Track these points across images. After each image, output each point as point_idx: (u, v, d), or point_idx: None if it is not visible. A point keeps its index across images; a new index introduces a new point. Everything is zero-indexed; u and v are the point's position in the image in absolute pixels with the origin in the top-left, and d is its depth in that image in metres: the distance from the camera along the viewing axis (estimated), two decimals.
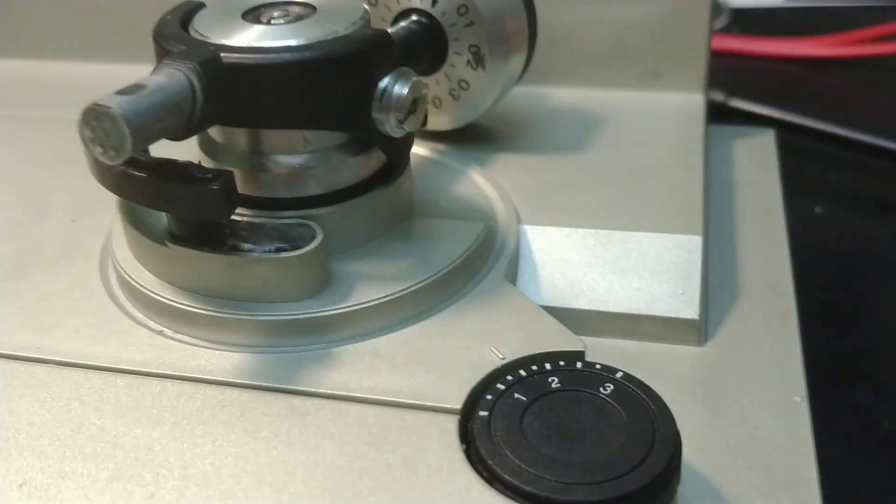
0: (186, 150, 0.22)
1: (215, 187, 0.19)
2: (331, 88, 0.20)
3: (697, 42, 0.32)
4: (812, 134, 0.41)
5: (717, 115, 0.42)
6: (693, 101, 0.32)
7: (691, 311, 0.24)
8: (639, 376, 0.22)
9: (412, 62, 0.28)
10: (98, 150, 0.18)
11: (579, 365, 0.20)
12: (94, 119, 0.17)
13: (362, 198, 0.23)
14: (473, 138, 0.30)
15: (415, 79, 0.22)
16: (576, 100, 0.33)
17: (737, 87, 0.45)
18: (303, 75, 0.20)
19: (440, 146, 0.30)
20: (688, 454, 0.20)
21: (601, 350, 0.24)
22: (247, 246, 0.22)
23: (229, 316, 0.21)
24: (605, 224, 0.25)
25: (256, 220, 0.22)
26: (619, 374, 0.20)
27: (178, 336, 0.22)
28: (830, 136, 0.41)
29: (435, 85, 0.29)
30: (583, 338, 0.24)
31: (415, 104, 0.22)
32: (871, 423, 0.28)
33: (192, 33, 0.22)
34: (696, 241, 0.25)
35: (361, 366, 0.20)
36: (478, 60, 0.28)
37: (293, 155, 0.22)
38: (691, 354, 0.23)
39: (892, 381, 0.29)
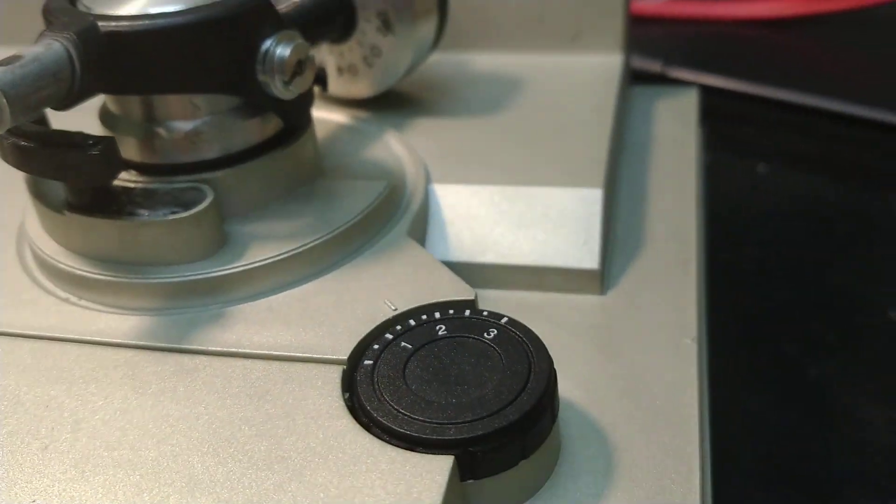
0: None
1: (95, 152, 0.19)
2: (209, 52, 0.21)
3: (615, 2, 0.33)
4: (755, 99, 0.41)
5: (656, 85, 0.42)
6: (611, 62, 0.32)
7: (591, 262, 0.24)
8: (539, 325, 0.22)
9: (322, 29, 0.28)
10: None
11: (467, 313, 0.20)
12: None
13: (257, 160, 0.23)
14: (393, 105, 0.31)
15: (298, 41, 0.22)
16: (497, 65, 0.33)
17: (689, 54, 0.45)
18: (179, 40, 0.20)
19: (360, 113, 0.30)
20: (577, 396, 0.21)
21: (506, 302, 0.24)
22: (142, 212, 0.22)
23: (125, 280, 0.21)
24: (511, 181, 0.26)
25: (150, 186, 0.22)
26: (503, 320, 0.20)
27: (82, 303, 0.22)
28: (774, 101, 0.41)
29: (349, 52, 0.30)
30: (489, 291, 0.25)
31: (300, 66, 0.22)
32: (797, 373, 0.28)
33: (79, 6, 0.22)
34: (596, 194, 0.25)
35: (254, 323, 0.21)
36: (387, 26, 0.28)
37: (185, 120, 0.22)
38: (592, 303, 0.24)
39: (818, 335, 0.29)
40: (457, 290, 0.21)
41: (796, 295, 0.31)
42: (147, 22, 0.20)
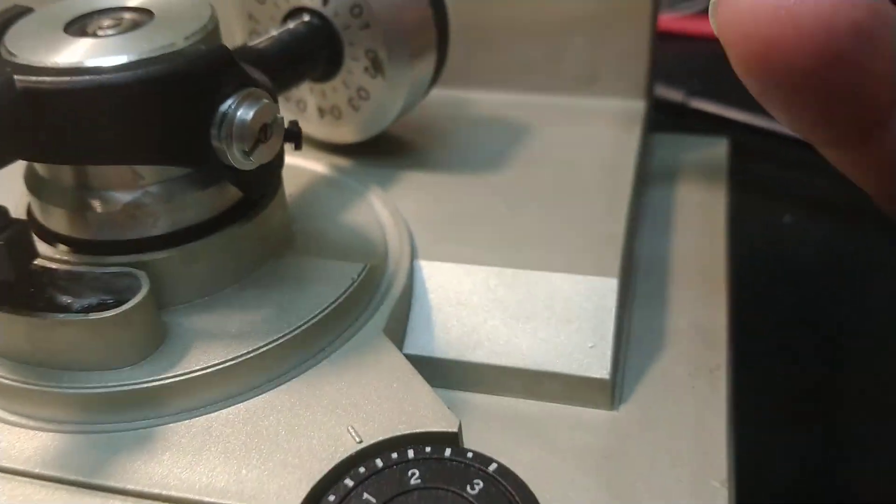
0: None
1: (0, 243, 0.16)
2: (152, 118, 0.17)
3: (639, 41, 0.29)
4: (781, 140, 0.37)
5: (677, 116, 0.38)
6: (632, 109, 0.28)
7: (601, 369, 0.20)
8: (534, 448, 0.19)
9: (303, 67, 0.24)
10: None
11: (448, 452, 0.16)
12: None
13: (210, 238, 0.19)
14: (380, 150, 0.27)
15: (264, 101, 0.18)
16: (503, 106, 0.29)
17: (706, 77, 0.42)
18: (111, 102, 0.16)
19: (342, 161, 0.27)
20: None
21: (498, 411, 0.20)
22: (66, 299, 0.18)
23: (33, 387, 0.17)
24: (511, 261, 0.22)
25: (76, 269, 0.18)
26: (492, 467, 0.16)
27: None
28: (802, 143, 0.37)
29: (332, 93, 0.26)
30: (478, 396, 0.21)
31: (265, 131, 0.18)
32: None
33: (1, 48, 0.18)
34: (609, 285, 0.21)
35: (188, 450, 0.17)
36: (376, 67, 0.24)
37: (123, 191, 0.18)
38: (600, 420, 0.20)
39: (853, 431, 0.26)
40: (437, 419, 0.17)
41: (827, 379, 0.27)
42: (73, 79, 0.16)
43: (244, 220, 0.20)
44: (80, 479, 0.16)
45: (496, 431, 0.20)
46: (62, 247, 0.19)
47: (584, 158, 0.26)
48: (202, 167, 0.18)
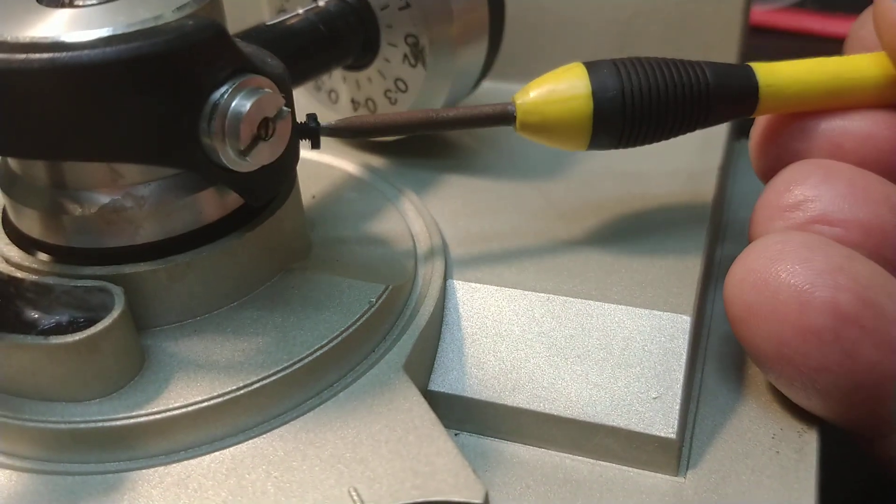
0: None
1: None
2: (119, 106, 0.14)
3: (728, 34, 0.25)
4: None
5: None
6: None
7: (666, 426, 0.17)
8: None
9: (332, 53, 0.21)
10: None
11: None
12: None
13: (200, 250, 0.16)
14: (420, 150, 0.24)
15: (266, 91, 0.15)
16: None
17: None
18: (72, 86, 0.14)
19: (375, 160, 0.24)
20: None
21: (537, 467, 0.17)
22: (33, 314, 0.16)
23: None
24: (561, 288, 0.19)
25: (45, 281, 0.16)
26: None
27: None
28: None
29: (367, 83, 0.23)
30: (515, 447, 0.18)
31: (265, 127, 0.15)
32: None
33: None
34: (682, 324, 0.18)
35: None
36: (416, 55, 0.22)
37: (100, 191, 0.16)
38: (663, 488, 0.17)
39: None
40: (460, 486, 0.14)
41: None
42: (29, 57, 0.14)
43: (245, 230, 0.17)
44: None
45: (534, 494, 0.17)
46: (41, 255, 0.17)
47: (657, 169, 0.23)
48: (190, 168, 0.15)
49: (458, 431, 0.18)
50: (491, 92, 0.26)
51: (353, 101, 0.24)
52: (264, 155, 0.16)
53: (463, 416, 0.18)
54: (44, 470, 0.15)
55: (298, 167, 0.18)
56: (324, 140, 0.18)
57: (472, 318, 0.19)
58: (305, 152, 0.19)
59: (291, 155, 0.17)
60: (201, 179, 0.16)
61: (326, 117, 0.23)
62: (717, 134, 0.24)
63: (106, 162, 0.15)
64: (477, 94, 0.24)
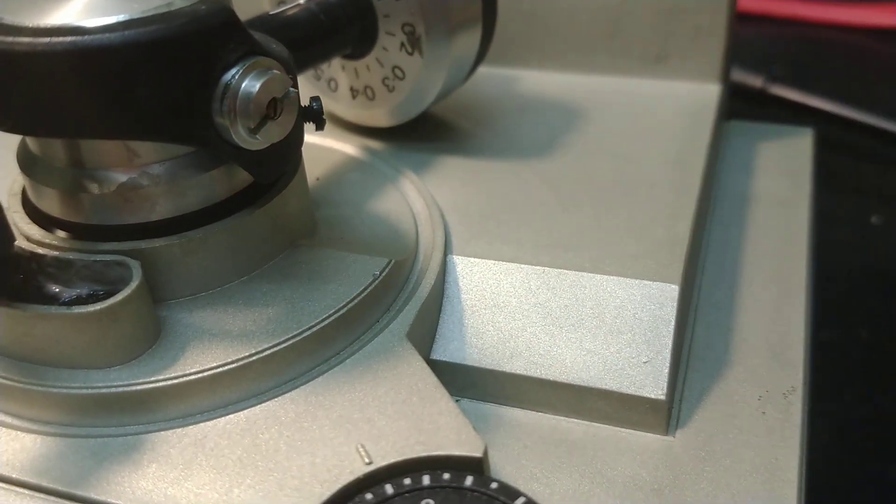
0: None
1: None
2: (137, 86, 0.15)
3: (716, 18, 0.27)
4: (870, 132, 0.34)
5: (756, 103, 0.36)
6: (704, 95, 0.26)
7: (656, 388, 0.18)
8: (576, 475, 0.17)
9: (332, 42, 0.23)
10: None
11: (469, 481, 0.15)
12: None
13: (213, 226, 0.18)
14: (418, 133, 0.25)
15: (273, 73, 0.17)
16: (559, 87, 0.28)
17: (790, 61, 0.39)
18: (93, 67, 0.15)
19: (374, 142, 0.25)
20: None
21: (534, 430, 0.19)
22: (54, 288, 0.17)
23: (13, 383, 0.16)
24: (557, 261, 0.20)
25: (66, 256, 0.17)
26: (519, 502, 0.14)
27: None
28: (892, 136, 0.34)
29: (366, 72, 0.24)
30: (514, 411, 0.19)
31: (274, 107, 0.17)
32: None
33: None
34: (670, 292, 0.19)
35: (178, 463, 0.16)
36: (413, 43, 0.23)
37: (118, 170, 0.17)
38: (653, 447, 0.18)
39: None
40: (461, 441, 0.16)
41: None
42: (52, 41, 0.15)
43: (254, 207, 0.18)
44: (58, 487, 0.15)
45: (531, 454, 0.18)
46: (60, 232, 0.18)
47: (647, 148, 0.24)
48: (203, 146, 0.17)
49: (459, 398, 0.20)
50: (487, 77, 0.28)
51: (351, 88, 0.25)
52: (273, 133, 0.17)
53: (464, 383, 0.19)
54: (68, 434, 0.16)
55: (302, 151, 0.20)
56: (326, 125, 0.20)
57: (472, 291, 0.20)
58: (309, 136, 0.20)
59: (297, 135, 0.19)
60: (213, 158, 0.18)
61: (326, 105, 0.24)
62: (706, 115, 0.25)
63: (124, 140, 0.17)
64: (473, 79, 0.26)
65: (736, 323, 0.21)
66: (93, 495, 0.15)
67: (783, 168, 0.26)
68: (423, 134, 0.25)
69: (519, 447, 0.18)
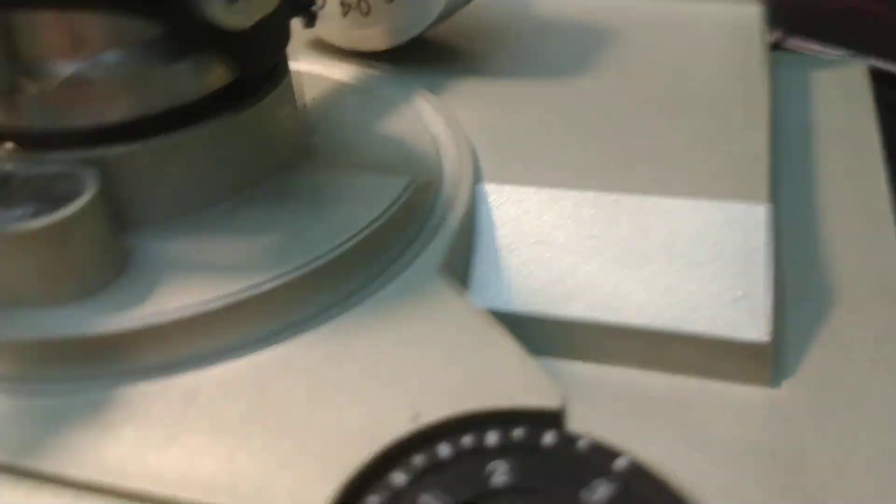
0: None
1: None
2: None
3: None
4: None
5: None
6: (745, 14, 0.23)
7: (756, 329, 0.15)
8: (664, 439, 0.14)
9: None
10: None
11: (549, 439, 0.11)
12: None
13: (186, 131, 0.14)
14: (423, 59, 0.22)
15: None
16: (577, 9, 0.24)
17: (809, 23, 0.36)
18: None
19: (373, 70, 0.21)
20: None
21: (605, 387, 0.15)
22: None
23: None
24: (611, 184, 0.17)
25: (3, 168, 0.13)
26: (620, 464, 0.11)
27: None
28: None
29: None
30: (574, 365, 0.16)
31: None
32: None
33: None
34: (758, 214, 0.16)
35: (161, 423, 0.12)
36: None
37: (63, 59, 0.13)
38: (756, 401, 0.14)
39: None
40: (531, 389, 0.12)
41: None
42: None
43: (236, 110, 0.15)
44: (2, 459, 0.11)
45: (605, 415, 0.14)
46: (8, 144, 0.14)
47: (696, 64, 0.21)
48: (172, 25, 0.13)
49: None
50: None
51: (342, 3, 0.21)
52: (255, 8, 0.13)
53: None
54: (13, 389, 0.12)
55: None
56: (311, 52, 0.16)
57: (509, 225, 0.17)
58: (291, 62, 0.17)
59: (283, 21, 0.15)
60: (183, 44, 0.14)
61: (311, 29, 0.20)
62: (752, 32, 0.22)
63: (70, 9, 0.13)
64: (480, 2, 0.22)
65: (828, 254, 0.17)
66: (44, 468, 0.11)
67: (842, 98, 0.23)
68: (430, 57, 0.22)
69: (585, 408, 0.15)
